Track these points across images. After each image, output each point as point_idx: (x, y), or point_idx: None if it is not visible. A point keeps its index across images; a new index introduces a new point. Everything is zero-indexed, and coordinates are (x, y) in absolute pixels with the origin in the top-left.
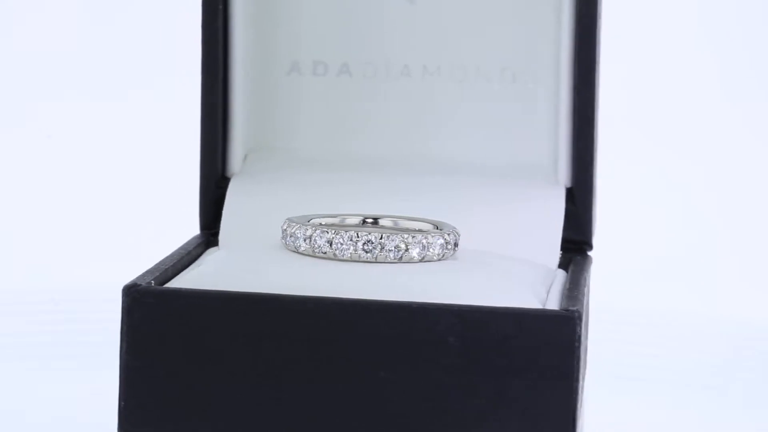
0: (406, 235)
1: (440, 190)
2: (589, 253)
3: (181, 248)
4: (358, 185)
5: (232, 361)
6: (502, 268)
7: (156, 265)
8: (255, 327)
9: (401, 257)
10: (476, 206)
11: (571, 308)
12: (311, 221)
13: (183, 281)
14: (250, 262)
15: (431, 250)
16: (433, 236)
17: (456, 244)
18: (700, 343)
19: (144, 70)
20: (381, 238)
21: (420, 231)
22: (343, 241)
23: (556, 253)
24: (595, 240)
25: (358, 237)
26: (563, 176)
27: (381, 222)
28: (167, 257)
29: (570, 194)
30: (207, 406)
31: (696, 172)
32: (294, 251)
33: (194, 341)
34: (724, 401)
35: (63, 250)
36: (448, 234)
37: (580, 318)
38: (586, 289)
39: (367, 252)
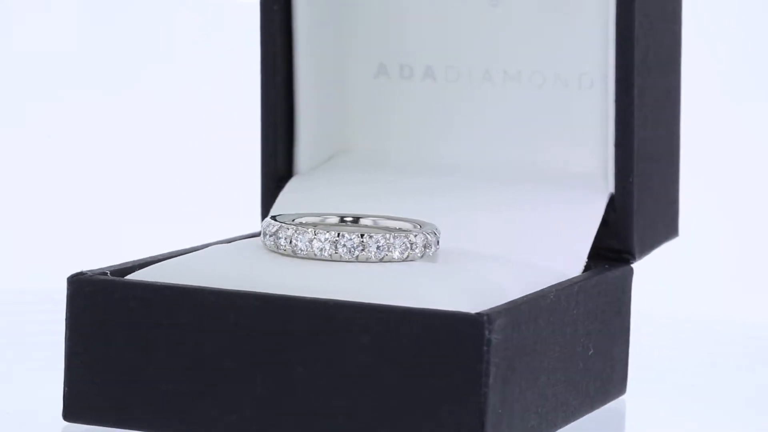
0: (363, 235)
1: (507, 193)
2: (633, 264)
3: (203, 244)
4: (422, 187)
5: (161, 350)
6: (472, 270)
7: (145, 258)
8: (182, 318)
9: (357, 257)
10: (520, 209)
11: (482, 312)
12: (294, 220)
13: (142, 273)
14: (213, 257)
15: (391, 250)
16: (395, 237)
17: (426, 246)
18: (700, 343)
19: (154, 67)
20: (338, 236)
21: (399, 230)
22: (301, 239)
23: (581, 260)
24: None
25: (314, 235)
26: (612, 184)
27: (362, 221)
28: (169, 252)
29: (611, 202)
30: (143, 393)
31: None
32: (264, 247)
33: (130, 329)
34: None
35: (63, 250)
36: (415, 235)
37: (490, 322)
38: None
39: (322, 251)
